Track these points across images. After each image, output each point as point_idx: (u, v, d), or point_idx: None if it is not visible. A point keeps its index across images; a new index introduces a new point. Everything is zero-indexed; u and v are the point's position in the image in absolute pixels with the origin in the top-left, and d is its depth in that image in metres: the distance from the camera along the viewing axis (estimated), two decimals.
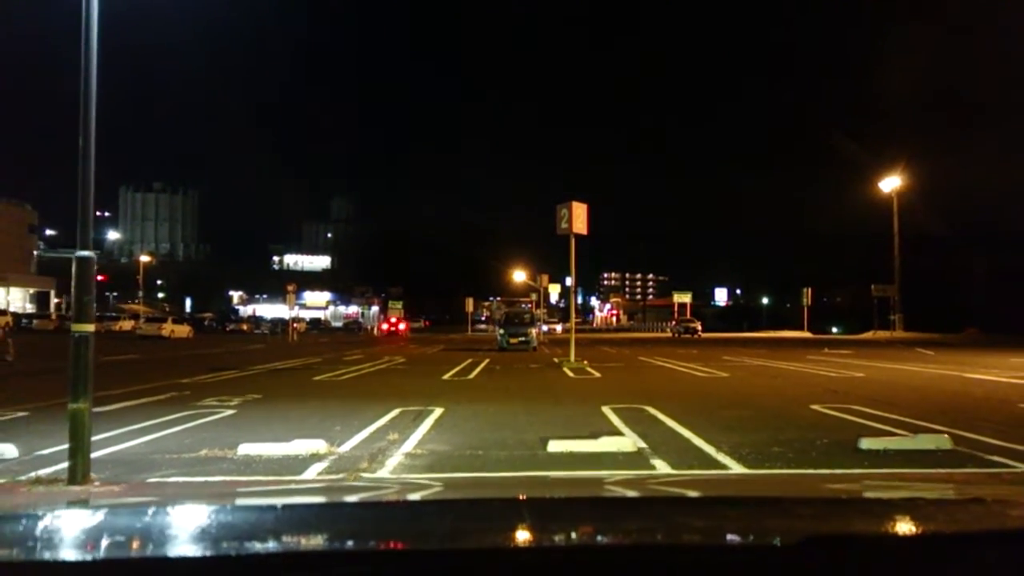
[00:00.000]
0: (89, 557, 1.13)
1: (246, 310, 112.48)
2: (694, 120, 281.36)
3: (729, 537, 1.28)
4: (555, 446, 7.22)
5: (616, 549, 1.19)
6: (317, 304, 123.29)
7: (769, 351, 29.58)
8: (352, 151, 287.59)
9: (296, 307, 55.72)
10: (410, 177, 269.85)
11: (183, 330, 49.80)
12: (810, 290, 66.86)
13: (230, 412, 10.50)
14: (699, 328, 63.60)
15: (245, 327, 73.75)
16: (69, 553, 1.17)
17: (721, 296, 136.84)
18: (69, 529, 1.32)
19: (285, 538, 1.27)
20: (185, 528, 1.31)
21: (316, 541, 1.27)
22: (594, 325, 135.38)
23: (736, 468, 6.44)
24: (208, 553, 1.15)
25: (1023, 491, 3.13)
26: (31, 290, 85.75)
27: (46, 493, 5.57)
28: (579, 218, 21.51)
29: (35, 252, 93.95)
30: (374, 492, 2.17)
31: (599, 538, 1.28)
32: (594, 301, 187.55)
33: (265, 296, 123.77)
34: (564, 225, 21.61)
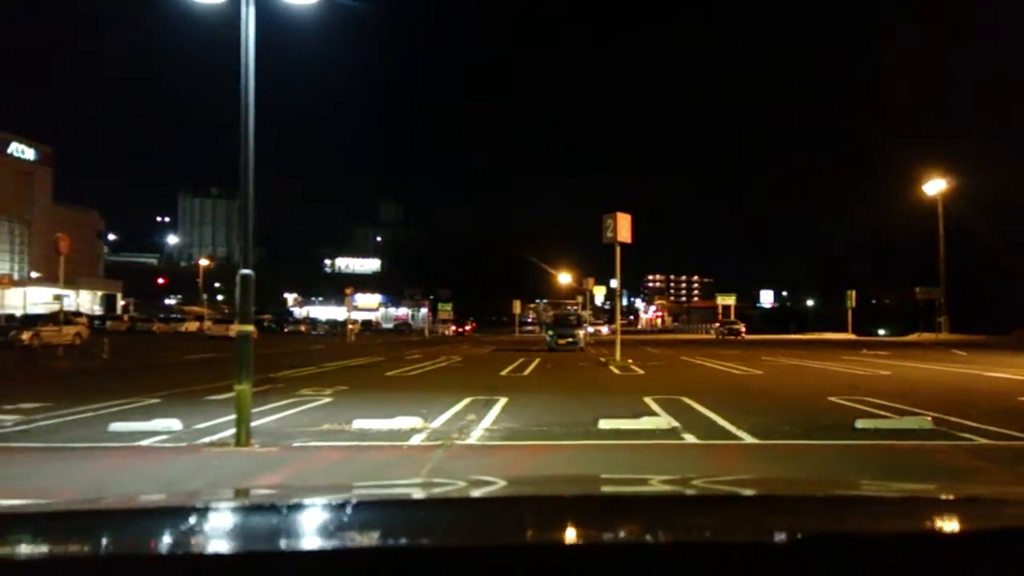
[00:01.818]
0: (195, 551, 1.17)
1: (301, 312, 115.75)
2: (741, 121, 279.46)
3: (728, 536, 1.27)
4: (604, 424, 8.97)
5: (613, 548, 1.19)
6: (369, 306, 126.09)
7: (807, 352, 30.77)
8: (400, 155, 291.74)
9: (361, 310, 58.06)
10: (457, 180, 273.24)
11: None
12: (854, 292, 67.11)
13: (328, 400, 12.43)
14: (743, 330, 64.43)
15: (303, 328, 76.63)
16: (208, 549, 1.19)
17: (767, 298, 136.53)
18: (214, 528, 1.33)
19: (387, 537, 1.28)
20: (317, 527, 1.32)
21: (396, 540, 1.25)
22: (638, 327, 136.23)
23: (748, 440, 8.15)
24: (333, 546, 1.19)
25: (1023, 491, 3.61)
26: (99, 293, 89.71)
27: (220, 453, 7.54)
28: (624, 228, 23.13)
29: (101, 257, 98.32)
30: (440, 489, 2.19)
31: (596, 537, 1.27)
32: (639, 303, 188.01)
33: (320, 298, 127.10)
34: (609, 234, 23.24)
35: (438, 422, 9.54)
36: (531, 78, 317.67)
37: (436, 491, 2.04)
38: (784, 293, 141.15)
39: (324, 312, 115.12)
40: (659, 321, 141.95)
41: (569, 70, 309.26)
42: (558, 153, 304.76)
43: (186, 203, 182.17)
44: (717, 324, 70.70)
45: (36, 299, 69.95)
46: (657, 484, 2.31)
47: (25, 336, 31.89)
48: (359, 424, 9.00)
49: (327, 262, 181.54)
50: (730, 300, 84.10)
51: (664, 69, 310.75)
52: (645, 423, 9.12)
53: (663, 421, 9.32)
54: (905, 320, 59.93)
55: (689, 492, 1.90)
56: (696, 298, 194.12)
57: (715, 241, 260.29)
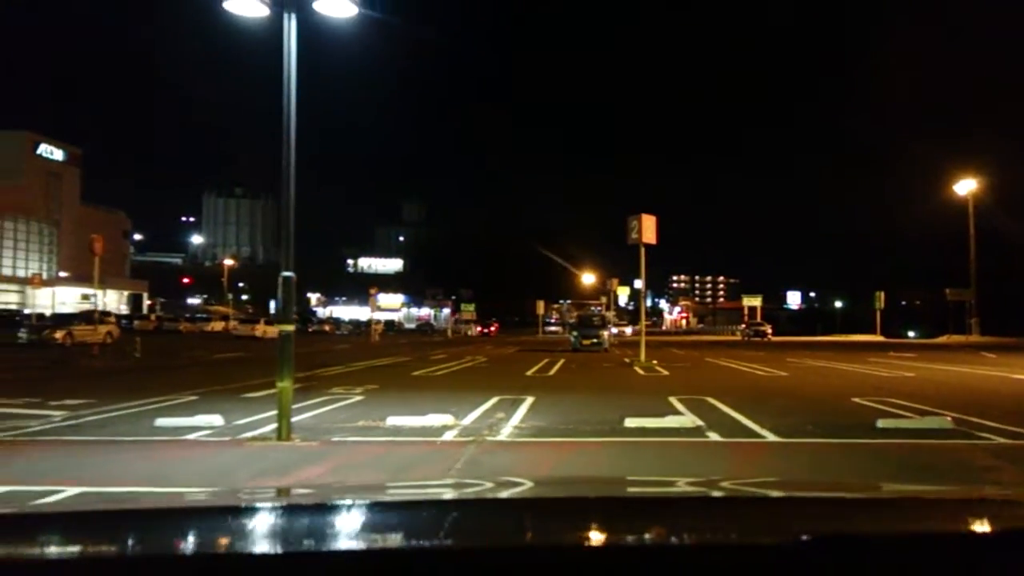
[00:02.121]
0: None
1: (324, 312, 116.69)
2: (769, 121, 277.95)
3: (729, 537, 1.28)
4: (630, 422, 9.21)
5: (614, 549, 1.20)
6: (391, 306, 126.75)
7: (833, 354, 30.74)
8: (423, 155, 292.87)
9: (384, 310, 58.60)
10: (481, 181, 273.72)
11: (274, 331, 52.64)
12: (883, 294, 66.58)
13: (360, 398, 12.77)
14: (769, 331, 64.13)
15: (327, 328, 77.33)
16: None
17: (794, 299, 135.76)
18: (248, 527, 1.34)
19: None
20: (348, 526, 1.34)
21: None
22: (663, 328, 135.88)
23: (771, 438, 8.37)
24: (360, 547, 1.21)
25: None
26: (126, 292, 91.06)
27: (263, 446, 7.87)
28: (648, 229, 23.32)
29: (128, 257, 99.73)
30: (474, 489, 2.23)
31: (598, 538, 1.28)
32: (663, 304, 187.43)
33: (344, 298, 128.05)
34: (634, 236, 23.44)
35: (468, 419, 9.84)
36: (560, 79, 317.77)
37: (464, 492, 2.06)
38: (812, 294, 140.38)
39: (347, 312, 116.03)
40: (684, 322, 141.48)
41: (600, 71, 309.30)
42: (584, 153, 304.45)
43: (210, 203, 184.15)
44: (743, 325, 70.45)
45: (64, 298, 71.27)
46: (667, 486, 2.36)
47: (59, 335, 32.63)
48: (393, 421, 9.31)
49: (350, 262, 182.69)
50: (756, 301, 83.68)
51: (694, 69, 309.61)
52: (670, 422, 9.36)
53: (688, 420, 9.56)
54: (935, 322, 59.37)
55: (694, 493, 1.92)
56: (722, 299, 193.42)
57: (742, 241, 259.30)
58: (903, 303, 78.97)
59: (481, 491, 2.02)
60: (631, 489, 2.14)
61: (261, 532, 1.28)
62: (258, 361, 24.94)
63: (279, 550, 1.18)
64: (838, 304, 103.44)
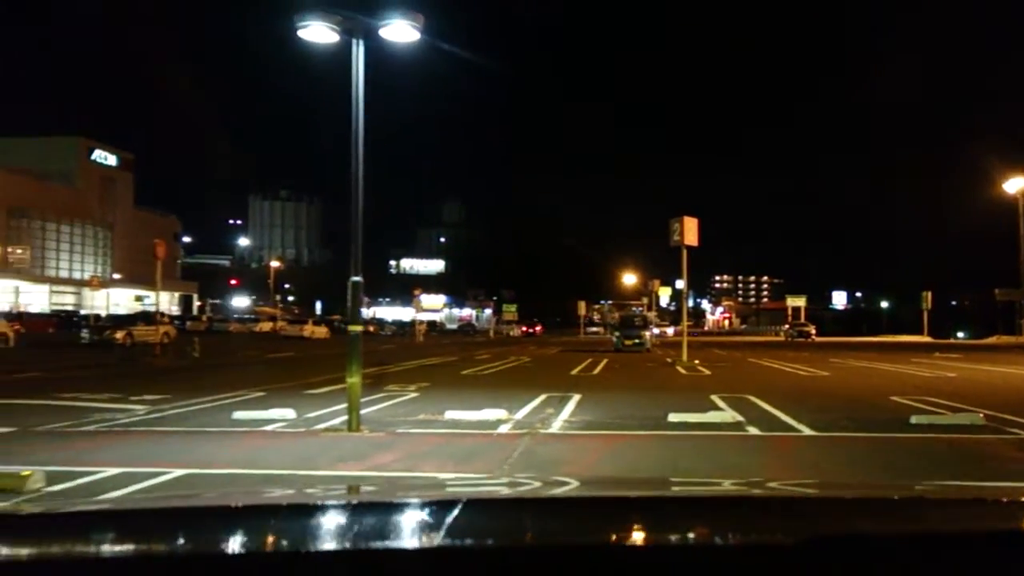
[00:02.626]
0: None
1: (368, 312, 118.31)
2: (817, 121, 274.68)
3: (729, 537, 1.26)
4: (674, 417, 9.77)
5: (614, 549, 1.19)
6: (433, 307, 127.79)
7: (878, 355, 30.79)
8: (464, 156, 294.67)
9: (427, 311, 59.58)
10: (522, 182, 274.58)
11: (321, 331, 54.45)
12: (930, 294, 65.76)
13: (415, 394, 13.49)
14: (813, 332, 63.77)
15: (372, 328, 78.47)
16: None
17: (839, 299, 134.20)
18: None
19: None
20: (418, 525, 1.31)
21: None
22: (705, 329, 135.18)
23: (807, 432, 8.88)
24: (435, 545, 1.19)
25: None
26: (177, 294, 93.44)
27: (336, 437, 8.58)
28: (690, 231, 23.76)
29: (178, 260, 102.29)
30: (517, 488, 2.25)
31: (597, 538, 1.26)
32: (705, 304, 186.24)
33: (388, 299, 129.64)
34: (676, 238, 23.90)
35: (520, 414, 10.48)
36: (600, 79, 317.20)
37: (519, 490, 2.06)
38: (858, 294, 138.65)
39: (390, 313, 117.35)
40: (726, 323, 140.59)
41: (639, 70, 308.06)
42: (625, 154, 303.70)
43: (256, 205, 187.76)
44: (786, 326, 70.13)
45: (118, 300, 73.46)
46: (662, 487, 2.40)
47: (119, 335, 34.00)
48: (451, 415, 9.99)
49: (392, 263, 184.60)
50: (800, 301, 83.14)
51: (733, 68, 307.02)
52: (711, 417, 9.90)
53: (728, 416, 10.09)
54: (984, 323, 58.61)
55: (695, 493, 1.92)
56: (765, 299, 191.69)
57: (787, 241, 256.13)
58: (952, 304, 77.78)
59: (534, 490, 2.04)
60: (628, 489, 2.11)
61: (327, 529, 1.29)
62: (309, 360, 25.87)
63: (344, 547, 1.19)
64: (884, 305, 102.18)
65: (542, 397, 12.77)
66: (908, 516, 1.49)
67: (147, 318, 37.05)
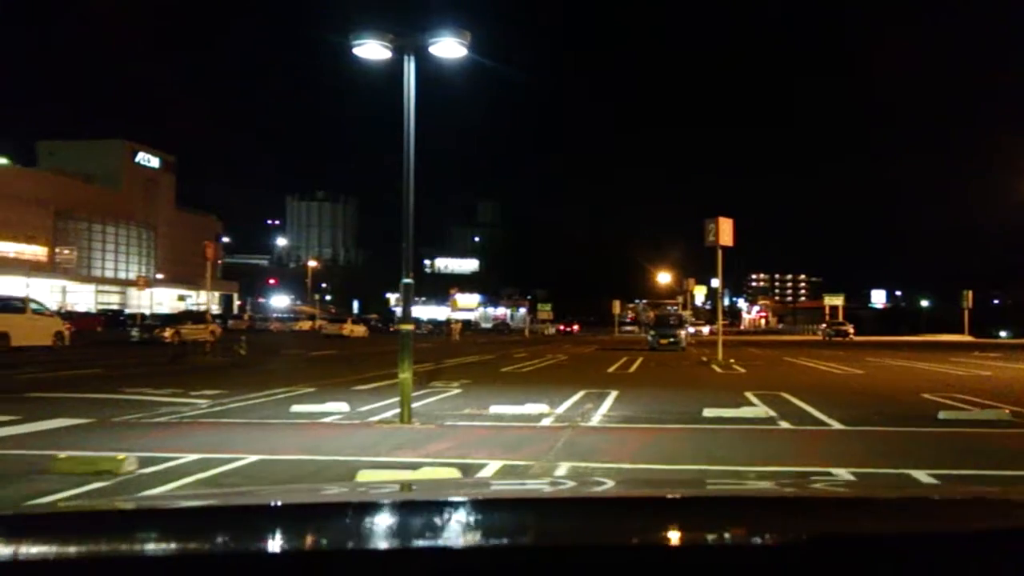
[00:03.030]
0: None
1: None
2: (857, 118, 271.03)
3: (729, 537, 1.25)
4: (708, 412, 10.23)
5: (613, 549, 1.18)
6: (468, 306, 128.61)
7: (914, 354, 30.77)
8: (498, 155, 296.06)
9: (461, 310, 60.28)
10: (555, 181, 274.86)
11: (360, 330, 55.46)
12: (971, 292, 64.92)
13: (458, 390, 14.07)
14: (851, 331, 63.39)
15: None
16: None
17: (878, 298, 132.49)
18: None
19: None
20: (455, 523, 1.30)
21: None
22: (741, 327, 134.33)
23: (836, 426, 9.30)
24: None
25: None
26: (218, 293, 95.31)
27: (390, 428, 9.17)
28: (725, 232, 24.04)
29: (219, 260, 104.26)
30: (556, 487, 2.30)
31: (595, 538, 1.26)
32: (741, 303, 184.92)
33: (423, 299, 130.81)
34: (711, 238, 24.18)
35: (561, 409, 11.00)
36: (632, 79, 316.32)
37: (562, 489, 2.10)
38: (898, 293, 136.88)
39: (425, 312, 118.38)
40: (763, 322, 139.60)
41: (670, 70, 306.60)
42: (660, 153, 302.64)
43: (293, 206, 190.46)
44: (823, 325, 69.72)
45: (160, 299, 75.24)
46: (662, 487, 2.43)
47: (167, 333, 35.09)
48: (495, 409, 10.54)
49: (427, 262, 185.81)
50: (838, 300, 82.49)
51: (768, 67, 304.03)
52: (745, 412, 10.35)
53: (761, 411, 10.53)
54: None
55: (691, 493, 1.92)
56: (803, 298, 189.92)
57: (826, 239, 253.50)
58: (995, 302, 76.58)
59: (575, 489, 2.08)
60: (624, 489, 2.09)
61: (380, 527, 1.28)
62: (352, 358, 26.59)
63: (394, 545, 1.20)
64: (924, 303, 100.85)
65: (581, 393, 13.27)
66: (908, 516, 1.48)
67: (194, 317, 38.15)
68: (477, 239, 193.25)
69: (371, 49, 9.25)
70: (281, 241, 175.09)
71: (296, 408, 10.64)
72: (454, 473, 6.09)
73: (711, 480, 4.34)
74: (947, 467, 6.66)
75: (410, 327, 9.80)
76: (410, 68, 9.38)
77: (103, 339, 40.01)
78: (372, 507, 1.49)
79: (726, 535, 1.25)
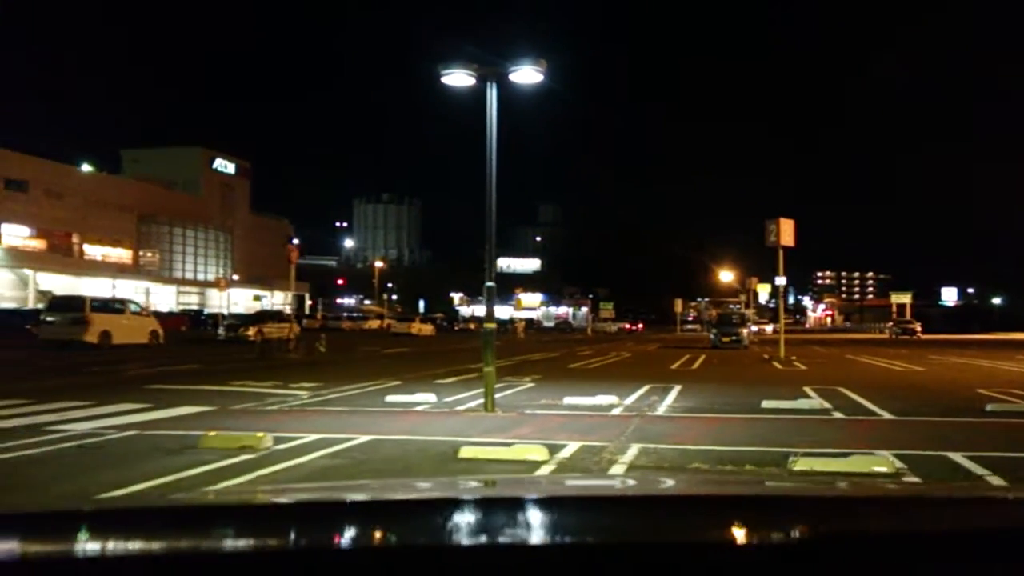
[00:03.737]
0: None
1: (466, 311, 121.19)
2: (928, 112, 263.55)
3: (729, 536, 1.25)
4: (767, 403, 11.08)
5: (612, 549, 1.19)
6: (531, 305, 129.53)
7: (981, 352, 30.68)
8: (560, 154, 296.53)
9: (524, 309, 61.39)
10: (617, 180, 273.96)
11: (427, 328, 57.11)
12: None
13: (531, 384, 15.13)
14: (918, 329, 62.53)
15: (472, 326, 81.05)
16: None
17: (949, 296, 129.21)
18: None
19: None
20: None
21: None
22: (806, 326, 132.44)
23: (886, 416, 10.09)
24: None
25: None
26: (290, 294, 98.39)
27: (476, 416, 10.26)
28: (786, 232, 24.59)
29: (292, 262, 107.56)
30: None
31: (593, 538, 1.27)
32: (806, 301, 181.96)
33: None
34: (772, 239, 24.76)
35: (629, 400, 11.97)
36: (694, 79, 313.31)
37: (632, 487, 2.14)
38: (970, 291, 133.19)
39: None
40: (828, 320, 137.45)
41: (734, 69, 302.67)
42: (725, 149, 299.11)
43: (360, 208, 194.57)
44: (890, 323, 68.83)
45: (237, 299, 78.18)
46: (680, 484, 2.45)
47: (251, 332, 36.98)
48: (568, 400, 11.57)
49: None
50: (905, 298, 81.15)
51: (843, 64, 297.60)
52: (801, 404, 11.18)
53: (817, 403, 11.35)
54: None
55: (690, 493, 1.92)
56: (870, 296, 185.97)
57: (896, 236, 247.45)
58: None
59: (645, 487, 2.14)
60: (617, 489, 2.10)
61: (414, 527, 1.30)
62: (424, 355, 27.90)
63: (479, 542, 1.22)
64: (997, 301, 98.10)
65: (646, 387, 14.19)
66: (908, 516, 1.48)
67: (275, 316, 40.11)
68: (539, 239, 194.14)
69: (458, 78, 10.35)
70: (348, 242, 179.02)
71: (390, 398, 11.84)
72: (542, 451, 7.09)
73: (733, 473, 4.58)
74: (983, 451, 7.40)
75: (492, 326, 10.90)
76: (492, 94, 10.46)
77: (189, 337, 42.29)
78: (437, 504, 1.54)
79: (726, 535, 1.25)
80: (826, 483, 3.48)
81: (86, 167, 74.89)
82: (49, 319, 27.74)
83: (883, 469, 6.31)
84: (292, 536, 1.24)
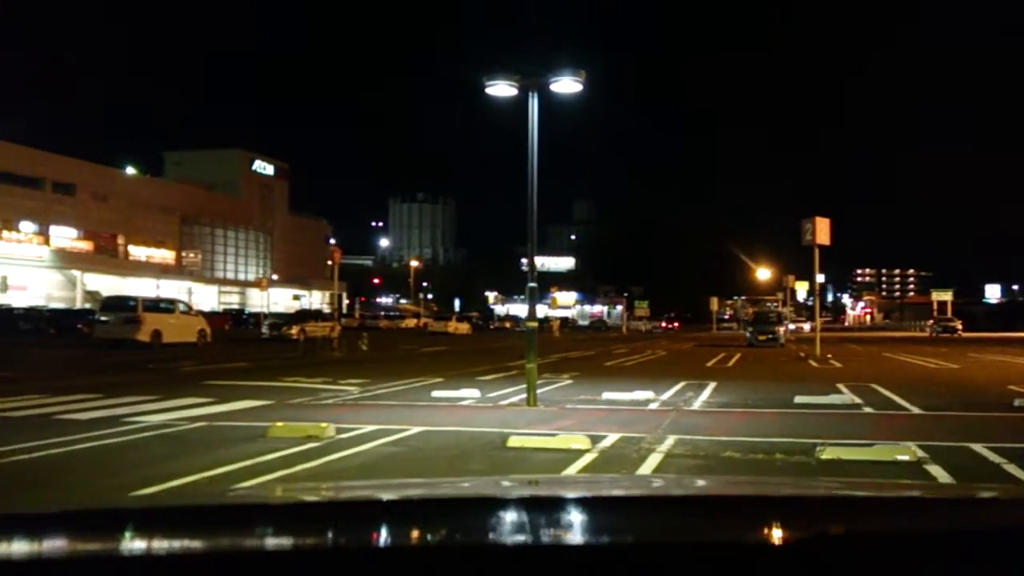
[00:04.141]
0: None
1: (501, 309, 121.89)
2: (971, 108, 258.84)
3: (729, 537, 1.25)
4: (799, 399, 11.51)
5: (612, 549, 1.19)
6: (565, 304, 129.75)
7: (1021, 350, 30.50)
8: (593, 153, 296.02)
9: (559, 307, 61.89)
10: (652, 179, 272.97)
11: (464, 327, 57.88)
12: None
13: (569, 381, 15.65)
14: (959, 327, 61.82)
15: (508, 324, 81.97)
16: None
17: (993, 293, 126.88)
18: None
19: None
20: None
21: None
22: (845, 324, 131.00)
23: (915, 411, 10.47)
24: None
25: None
26: (328, 293, 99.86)
27: (520, 409, 10.81)
28: (822, 231, 24.83)
29: (328, 261, 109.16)
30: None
31: (593, 538, 1.28)
32: (846, 299, 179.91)
33: (522, 297, 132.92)
34: (808, 237, 25.00)
35: (665, 396, 12.46)
36: (728, 77, 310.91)
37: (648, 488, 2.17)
38: (1015, 287, 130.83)
39: (523, 310, 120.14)
40: (868, 318, 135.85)
41: (771, 68, 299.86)
42: (761, 145, 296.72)
43: (396, 208, 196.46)
44: (931, 321, 68.12)
45: (276, 299, 79.65)
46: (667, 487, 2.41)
47: (294, 331, 37.96)
48: (606, 395, 12.09)
49: (524, 261, 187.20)
50: (946, 296, 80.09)
51: (868, 62, 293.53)
52: (833, 399, 11.60)
53: (847, 398, 11.76)
54: None
55: (690, 493, 1.93)
56: (912, 293, 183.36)
57: (938, 233, 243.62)
58: None
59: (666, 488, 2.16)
60: (620, 489, 2.13)
61: (434, 526, 1.30)
62: (462, 353, 28.53)
63: (524, 541, 1.23)
64: None
65: (682, 384, 14.65)
66: (908, 516, 1.48)
67: (317, 316, 41.07)
68: (573, 237, 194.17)
69: (501, 88, 10.93)
70: (384, 242, 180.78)
71: (435, 393, 12.45)
72: (585, 440, 7.61)
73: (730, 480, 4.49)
74: (1005, 442, 7.76)
75: (534, 324, 11.44)
76: (534, 104, 11.01)
77: (232, 336, 43.33)
78: (427, 504, 1.55)
79: (726, 534, 1.26)
80: (841, 482, 3.60)
81: (130, 170, 76.86)
82: (103, 318, 28.89)
83: (905, 458, 6.74)
84: (330, 535, 1.25)
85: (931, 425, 9.35)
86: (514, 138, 11.24)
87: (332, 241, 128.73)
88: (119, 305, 29.56)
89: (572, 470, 6.57)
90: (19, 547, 1.17)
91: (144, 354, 24.30)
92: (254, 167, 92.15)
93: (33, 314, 44.14)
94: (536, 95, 11.00)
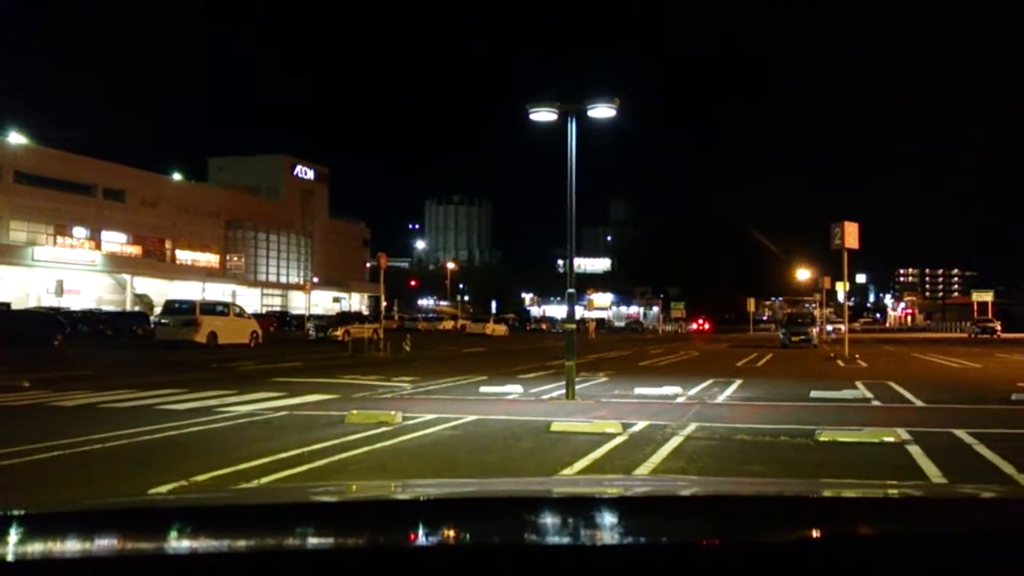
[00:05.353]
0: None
1: (537, 311, 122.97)
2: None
3: (728, 536, 1.25)
4: (815, 394, 12.64)
5: (611, 549, 1.20)
6: (601, 305, 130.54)
7: None
8: (630, 155, 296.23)
9: (595, 309, 62.92)
10: (690, 179, 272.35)
11: (501, 329, 59.19)
12: None
13: (605, 379, 16.87)
14: (998, 328, 61.68)
15: (544, 326, 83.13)
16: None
17: None
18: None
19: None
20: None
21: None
22: (886, 325, 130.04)
23: (919, 404, 11.56)
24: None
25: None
26: (366, 295, 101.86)
27: (560, 403, 12.07)
28: (851, 235, 25.72)
29: (367, 262, 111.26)
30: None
31: (592, 538, 1.29)
32: (887, 299, 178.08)
33: (558, 298, 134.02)
34: (837, 241, 25.90)
35: (692, 391, 13.64)
36: (766, 77, 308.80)
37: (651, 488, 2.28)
38: None
39: (559, 311, 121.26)
40: (908, 319, 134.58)
41: (807, 68, 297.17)
42: (802, 146, 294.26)
43: (432, 210, 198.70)
44: (970, 323, 67.96)
45: (317, 300, 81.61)
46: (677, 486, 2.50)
47: (339, 332, 39.59)
48: (639, 391, 13.31)
49: (560, 262, 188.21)
50: (987, 296, 79.45)
51: (908, 60, 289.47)
52: (846, 394, 12.71)
53: (860, 393, 12.87)
54: None
55: (690, 493, 1.97)
56: (956, 294, 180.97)
57: (985, 233, 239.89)
58: None
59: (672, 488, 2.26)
60: (620, 490, 2.12)
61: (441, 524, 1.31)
62: (502, 354, 29.83)
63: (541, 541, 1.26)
64: None
65: (709, 381, 15.80)
66: (908, 516, 1.49)
67: (359, 317, 42.68)
68: (609, 238, 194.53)
69: (543, 115, 12.21)
70: (420, 244, 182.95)
71: (483, 389, 13.77)
72: (617, 426, 8.84)
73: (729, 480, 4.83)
74: (983, 428, 8.83)
75: (573, 326, 12.71)
76: (572, 128, 12.27)
77: (279, 338, 45.10)
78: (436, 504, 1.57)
79: (727, 534, 1.26)
80: (842, 483, 3.72)
81: (176, 176, 79.45)
82: (164, 321, 30.74)
83: (890, 439, 7.89)
84: (367, 535, 1.26)
85: (926, 415, 10.45)
86: (550, 139, 12.41)
87: (366, 240, 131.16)
88: (178, 308, 31.34)
89: (606, 449, 7.78)
90: (50, 546, 1.18)
91: (202, 354, 25.85)
92: (295, 172, 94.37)
93: (91, 317, 46.42)
94: (574, 120, 12.25)
